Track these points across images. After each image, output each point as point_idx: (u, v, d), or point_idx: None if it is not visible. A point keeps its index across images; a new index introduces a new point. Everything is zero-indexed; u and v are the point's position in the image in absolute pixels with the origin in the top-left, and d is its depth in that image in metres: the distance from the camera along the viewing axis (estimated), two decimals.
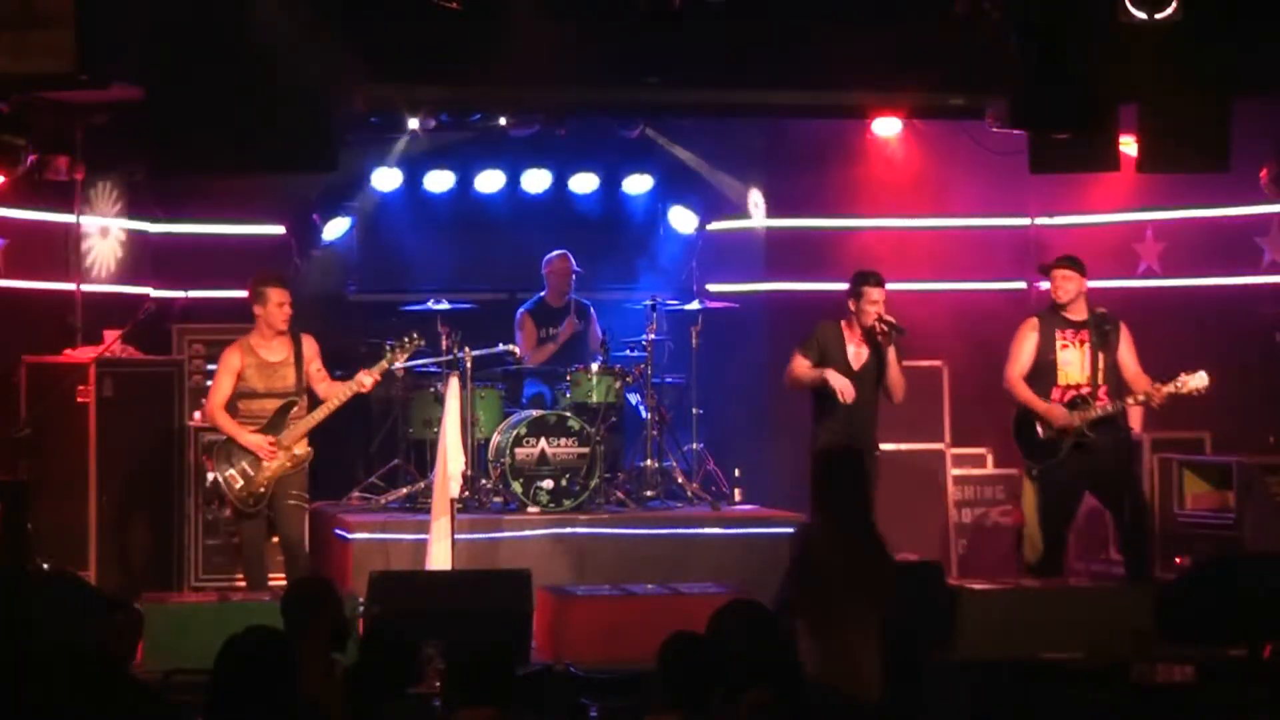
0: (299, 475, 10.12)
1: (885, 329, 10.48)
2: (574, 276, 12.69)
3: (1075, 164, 10.83)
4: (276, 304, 10.03)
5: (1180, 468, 12.05)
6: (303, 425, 10.08)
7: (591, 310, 12.85)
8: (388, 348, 10.37)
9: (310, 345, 10.19)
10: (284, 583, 9.91)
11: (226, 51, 8.72)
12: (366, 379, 10.14)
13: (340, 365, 11.30)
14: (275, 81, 8.79)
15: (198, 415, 11.24)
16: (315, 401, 10.22)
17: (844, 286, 10.73)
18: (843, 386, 10.40)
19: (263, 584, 10.06)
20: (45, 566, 10.18)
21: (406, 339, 10.46)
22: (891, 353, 10.53)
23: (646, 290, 12.88)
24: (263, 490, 9.99)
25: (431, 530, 10.40)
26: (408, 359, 10.71)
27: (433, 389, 11.74)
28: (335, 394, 10.13)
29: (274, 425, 10.05)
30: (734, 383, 13.01)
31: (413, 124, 12.01)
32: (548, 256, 12.77)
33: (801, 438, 10.73)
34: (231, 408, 10.09)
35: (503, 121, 11.94)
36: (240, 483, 9.99)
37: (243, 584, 10.44)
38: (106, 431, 11.07)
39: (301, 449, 10.08)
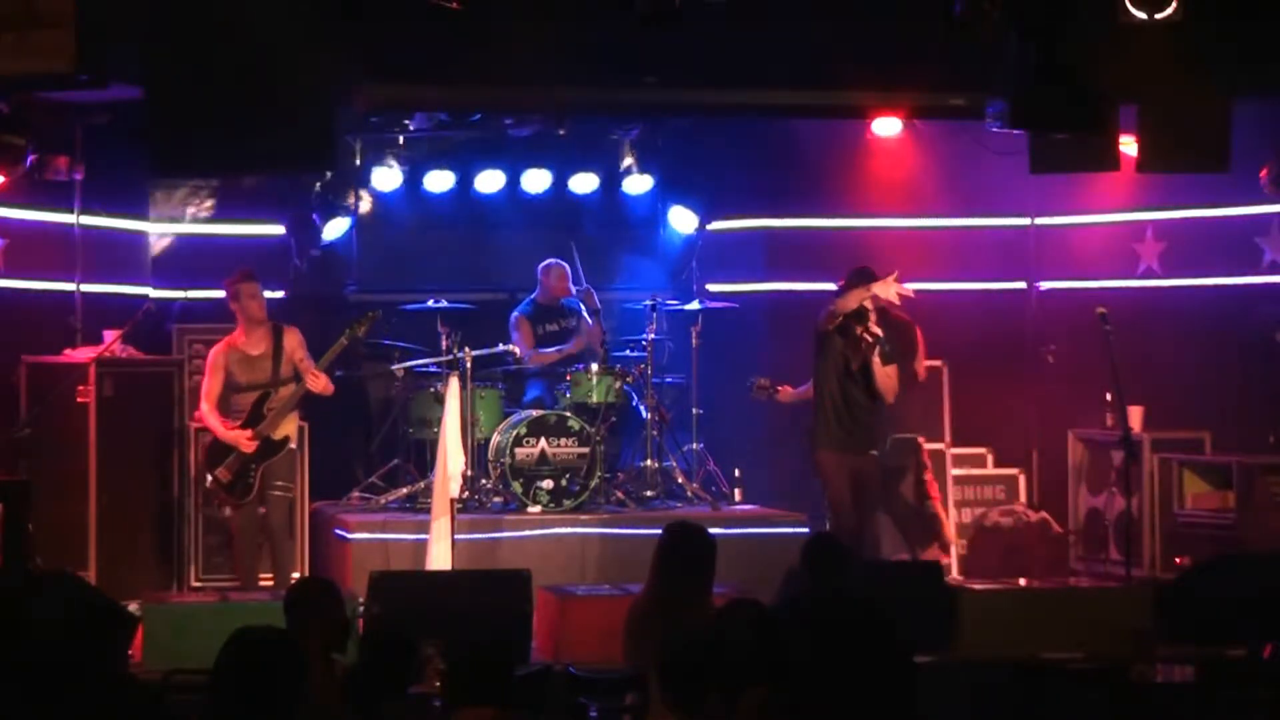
0: (285, 465, 10.46)
1: (871, 340, 10.46)
2: (571, 292, 12.63)
3: (1075, 164, 10.82)
4: (249, 295, 10.51)
5: (1180, 468, 12.05)
6: (278, 411, 10.40)
7: (581, 308, 12.81)
8: (346, 331, 10.57)
9: (292, 338, 10.53)
10: (271, 575, 10.40)
11: (226, 52, 8.70)
12: (317, 378, 10.36)
13: (340, 365, 11.31)
14: (275, 81, 8.77)
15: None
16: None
17: None
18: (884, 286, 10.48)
19: (254, 576, 10.41)
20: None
21: (364, 316, 10.69)
22: (876, 363, 10.51)
23: (646, 290, 12.87)
24: (250, 480, 10.33)
25: (431, 530, 10.42)
26: (366, 331, 10.79)
27: (433, 389, 11.73)
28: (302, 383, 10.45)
29: (254, 417, 10.40)
30: (734, 383, 12.98)
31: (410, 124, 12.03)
32: (545, 264, 12.64)
33: (802, 437, 10.72)
34: (223, 402, 10.45)
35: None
36: (228, 477, 10.35)
37: None
38: (106, 431, 11.07)
39: (281, 435, 10.41)
